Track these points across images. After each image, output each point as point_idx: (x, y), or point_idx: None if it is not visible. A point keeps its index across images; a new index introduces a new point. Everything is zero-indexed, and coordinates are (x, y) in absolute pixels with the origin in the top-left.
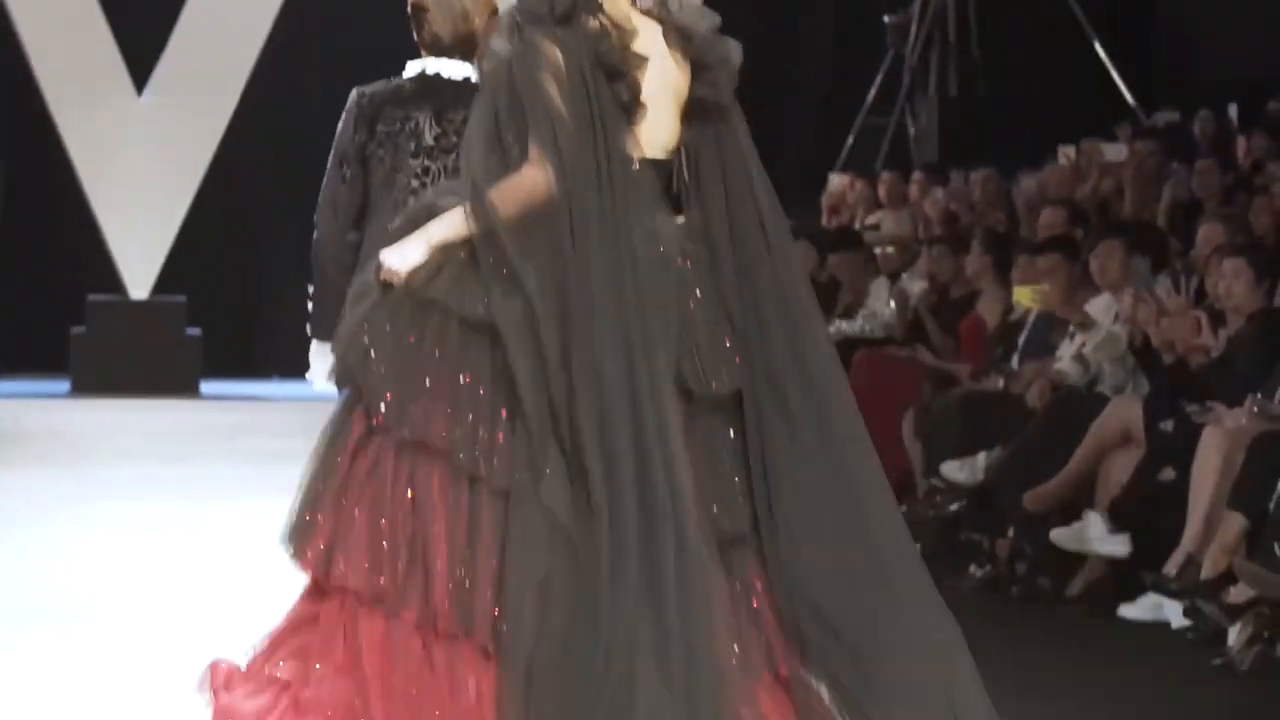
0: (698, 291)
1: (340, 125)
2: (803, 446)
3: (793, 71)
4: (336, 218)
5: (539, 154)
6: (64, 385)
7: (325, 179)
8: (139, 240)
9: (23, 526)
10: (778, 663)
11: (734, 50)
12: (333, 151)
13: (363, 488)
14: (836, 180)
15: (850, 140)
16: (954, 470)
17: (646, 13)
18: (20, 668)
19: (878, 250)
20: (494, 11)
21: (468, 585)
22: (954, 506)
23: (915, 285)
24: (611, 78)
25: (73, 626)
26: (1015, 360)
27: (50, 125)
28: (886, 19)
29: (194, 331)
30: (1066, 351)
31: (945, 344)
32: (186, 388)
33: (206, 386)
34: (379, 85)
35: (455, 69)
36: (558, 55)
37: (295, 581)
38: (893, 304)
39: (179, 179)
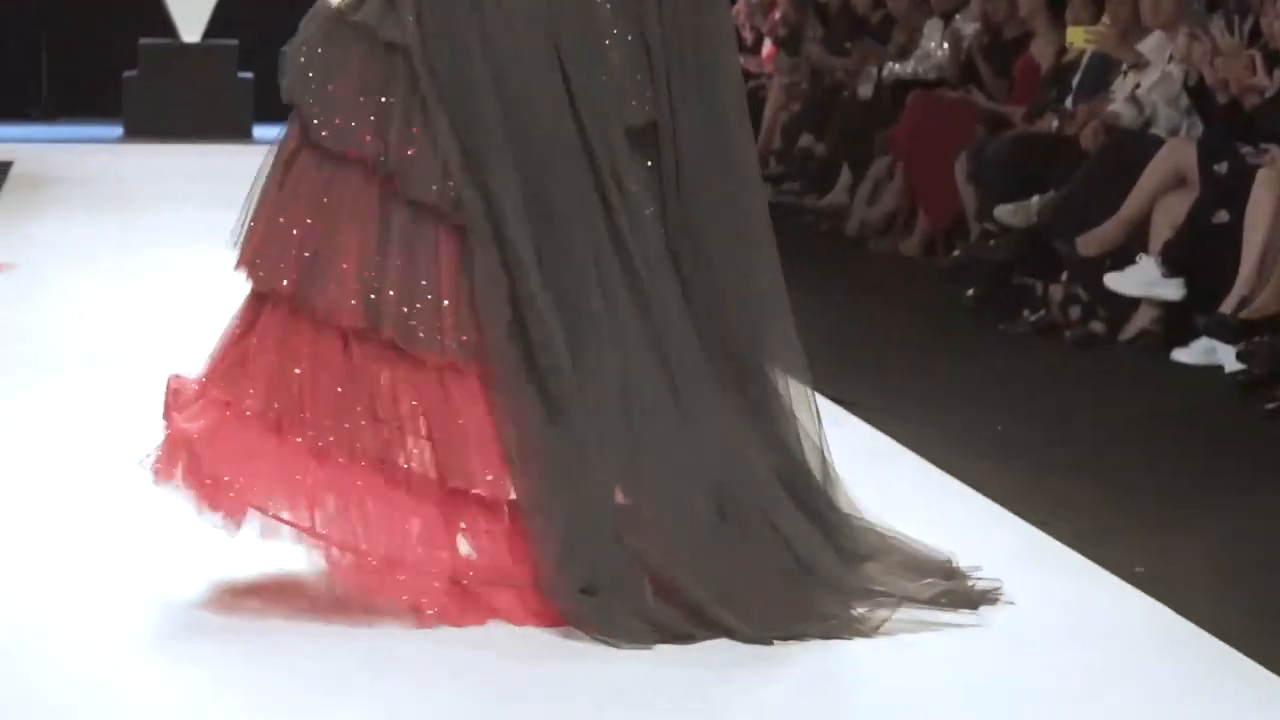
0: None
1: None
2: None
3: None
4: None
5: None
6: (116, 130)
7: None
8: None
9: (72, 271)
10: None
11: None
12: None
13: (291, 197)
14: None
15: None
16: (1007, 213)
17: None
18: (64, 412)
19: None
20: None
21: (376, 286)
22: (1006, 250)
23: (968, 26)
24: None
25: (118, 371)
26: (1069, 102)
27: None
28: None
29: (246, 75)
30: (1120, 92)
31: (998, 86)
32: (238, 132)
33: (259, 130)
34: None
35: None
36: None
37: None
38: (946, 45)
39: None
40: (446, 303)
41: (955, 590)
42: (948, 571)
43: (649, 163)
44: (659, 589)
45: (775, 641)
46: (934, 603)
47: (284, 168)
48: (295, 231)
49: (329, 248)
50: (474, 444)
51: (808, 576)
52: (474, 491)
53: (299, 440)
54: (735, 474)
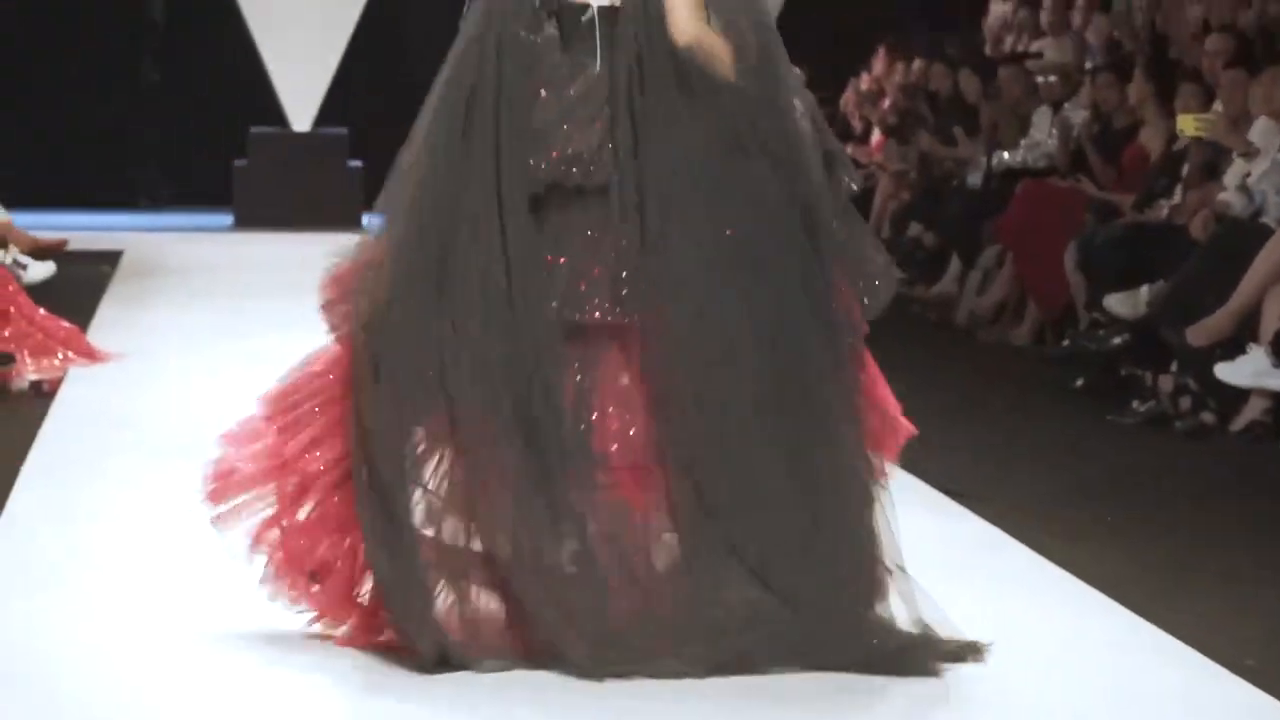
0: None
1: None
2: None
3: None
4: None
5: None
6: (227, 219)
7: None
8: (301, 72)
9: (181, 360)
10: None
11: None
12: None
13: None
14: (999, 7)
15: None
16: (1116, 303)
17: None
18: (159, 498)
19: (1040, 79)
20: None
21: None
22: (1116, 340)
23: (1077, 115)
24: None
25: None
26: (1178, 190)
27: None
28: None
29: (355, 164)
30: (1231, 181)
31: (1108, 174)
32: (349, 220)
33: (369, 219)
34: None
35: None
36: None
37: None
38: (1055, 134)
39: (340, 9)
40: None
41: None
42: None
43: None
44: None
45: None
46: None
47: None
48: None
49: None
50: None
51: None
52: None
53: None
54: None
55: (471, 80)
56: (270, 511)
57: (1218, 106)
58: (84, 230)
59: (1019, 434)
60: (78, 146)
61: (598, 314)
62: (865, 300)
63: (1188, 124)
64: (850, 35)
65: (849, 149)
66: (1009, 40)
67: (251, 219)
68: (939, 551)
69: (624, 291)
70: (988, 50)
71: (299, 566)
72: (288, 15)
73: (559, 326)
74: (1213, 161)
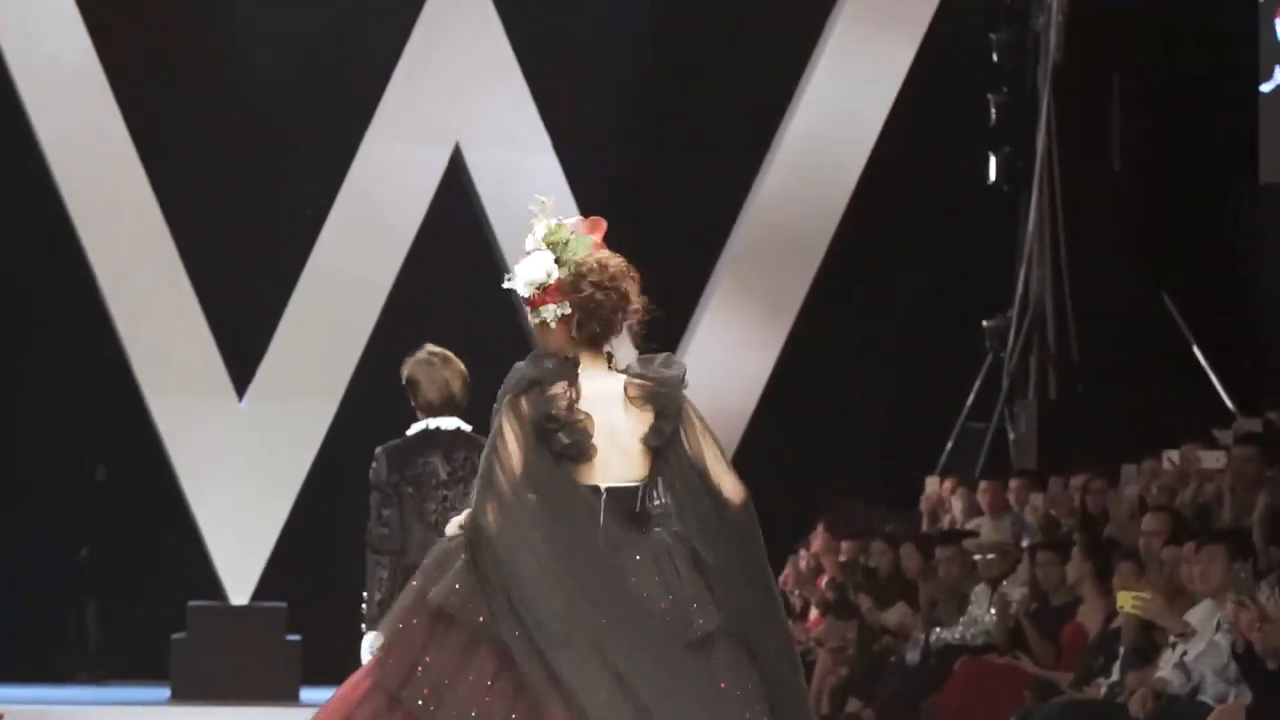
0: (677, 559)
1: (373, 472)
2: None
3: (881, 377)
4: (385, 543)
5: (474, 506)
6: (164, 692)
7: (371, 515)
8: (239, 546)
9: None
10: None
11: (681, 387)
12: (373, 491)
13: None
14: (932, 484)
15: (950, 445)
16: None
17: (623, 370)
18: None
19: (978, 557)
20: (464, 381)
21: None
22: None
23: (1016, 592)
24: (556, 430)
25: None
26: (1117, 668)
27: (151, 429)
28: (985, 323)
29: (294, 638)
30: (1169, 660)
31: (1047, 652)
32: (287, 694)
33: (306, 693)
34: (396, 441)
35: (447, 423)
36: (513, 424)
37: None
38: (993, 611)
39: (278, 485)
40: None
41: None
42: None
43: None
44: None
45: None
46: None
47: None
48: None
49: None
50: None
51: None
52: None
53: None
54: None
55: None
56: None
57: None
58: (14, 705)
59: None
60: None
61: None
62: None
63: (1125, 600)
64: (787, 514)
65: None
66: (945, 518)
67: (189, 692)
68: None
69: None
70: (924, 526)
71: None
72: (227, 489)
73: None
74: (1148, 641)
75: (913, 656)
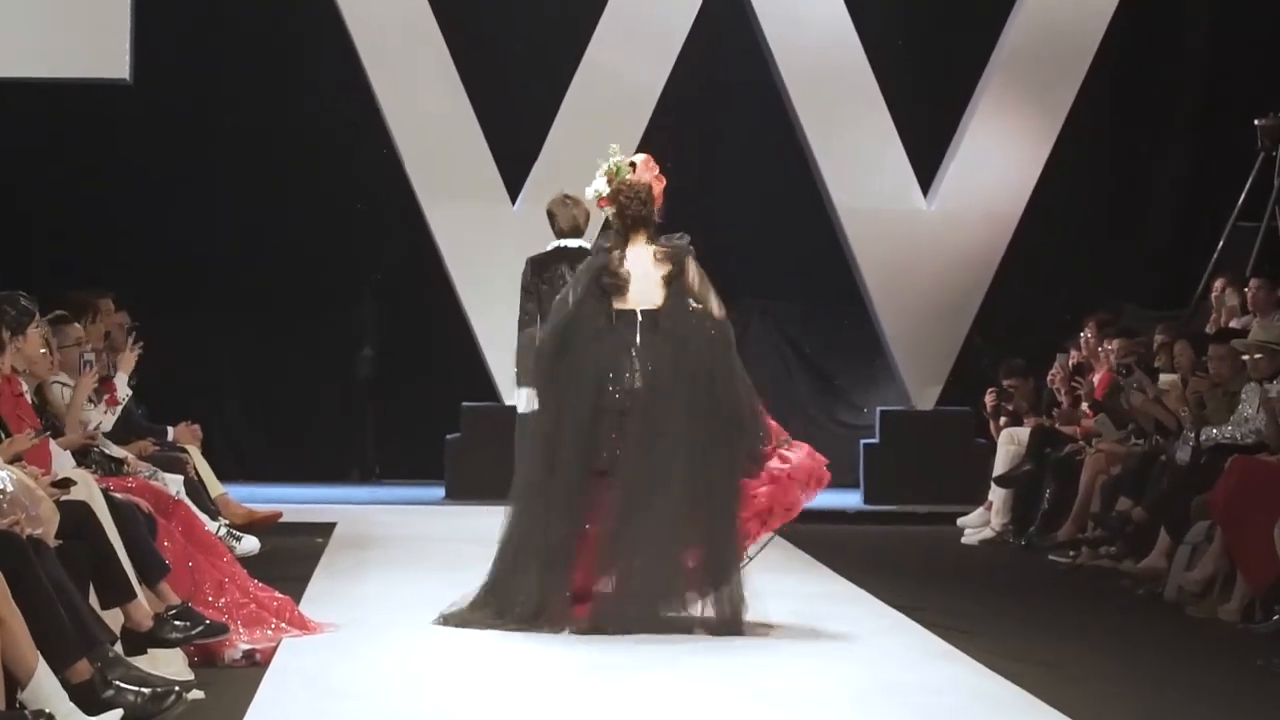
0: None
1: (523, 275)
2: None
3: (1160, 169)
4: (524, 324)
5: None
6: (438, 491)
7: (520, 301)
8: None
9: (395, 630)
10: None
11: (686, 251)
12: (520, 288)
13: None
14: (1219, 284)
15: (1220, 244)
16: None
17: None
18: None
19: (1246, 357)
20: (587, 215)
21: None
22: None
23: None
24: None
25: None
26: None
27: (428, 235)
28: (1257, 122)
29: None
30: None
31: None
32: None
33: None
34: (537, 254)
35: (573, 243)
36: (588, 265)
37: None
38: (1262, 411)
39: None
40: None
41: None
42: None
43: None
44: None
45: None
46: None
47: None
48: None
49: None
50: None
51: None
52: None
53: None
54: None
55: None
56: None
57: None
58: (298, 504)
59: (1227, 712)
60: (292, 423)
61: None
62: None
63: None
64: (1055, 312)
65: (1055, 423)
66: (1215, 318)
67: (462, 491)
68: None
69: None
70: (1209, 328)
71: None
72: (499, 291)
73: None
74: None
75: (1183, 455)
